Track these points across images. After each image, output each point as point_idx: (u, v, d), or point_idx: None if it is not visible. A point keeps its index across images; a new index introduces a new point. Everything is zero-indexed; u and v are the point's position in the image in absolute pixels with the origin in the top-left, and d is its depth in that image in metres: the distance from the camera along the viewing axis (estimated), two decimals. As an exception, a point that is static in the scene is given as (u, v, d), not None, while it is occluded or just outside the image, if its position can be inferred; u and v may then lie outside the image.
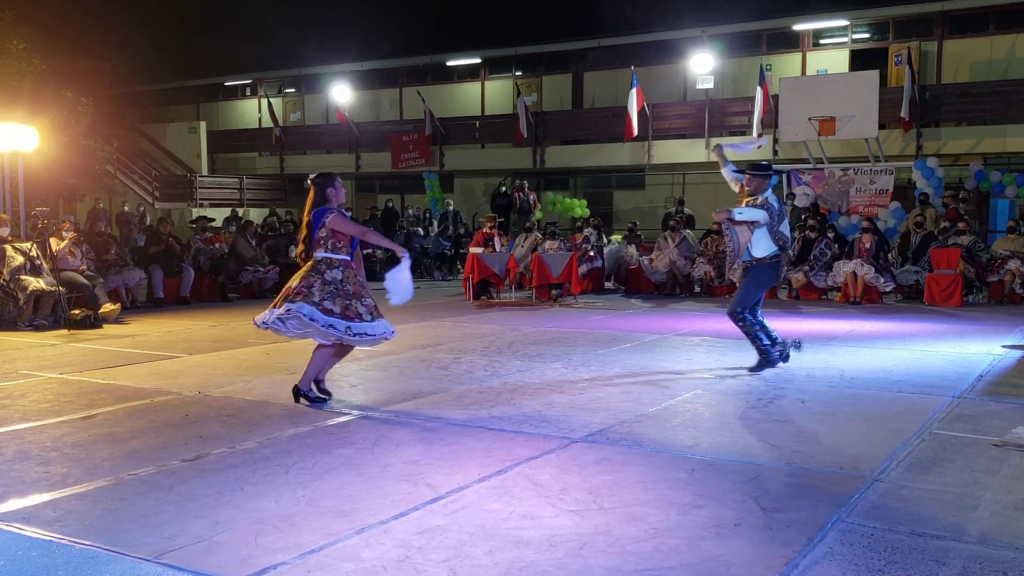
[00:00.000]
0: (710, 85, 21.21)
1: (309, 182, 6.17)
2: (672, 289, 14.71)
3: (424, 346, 8.87)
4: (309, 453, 4.87)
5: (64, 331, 10.15)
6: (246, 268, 14.36)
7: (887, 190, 17.52)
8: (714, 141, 21.34)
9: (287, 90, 30.18)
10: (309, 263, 6.04)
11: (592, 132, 23.82)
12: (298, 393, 6.18)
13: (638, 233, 16.82)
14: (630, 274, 15.34)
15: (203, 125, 29.30)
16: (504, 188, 22.99)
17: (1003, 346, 8.68)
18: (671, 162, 22.45)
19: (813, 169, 18.34)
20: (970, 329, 10.02)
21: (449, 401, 6.24)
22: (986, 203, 17.67)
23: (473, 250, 14.02)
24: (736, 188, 7.46)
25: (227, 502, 4.06)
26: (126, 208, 23.02)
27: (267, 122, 28.22)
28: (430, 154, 24.82)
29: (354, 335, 5.86)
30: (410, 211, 22.93)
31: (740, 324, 7.36)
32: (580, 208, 22.28)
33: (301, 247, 6.18)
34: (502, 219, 19.25)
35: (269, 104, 27.87)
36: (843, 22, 21.40)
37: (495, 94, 26.27)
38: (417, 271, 19.17)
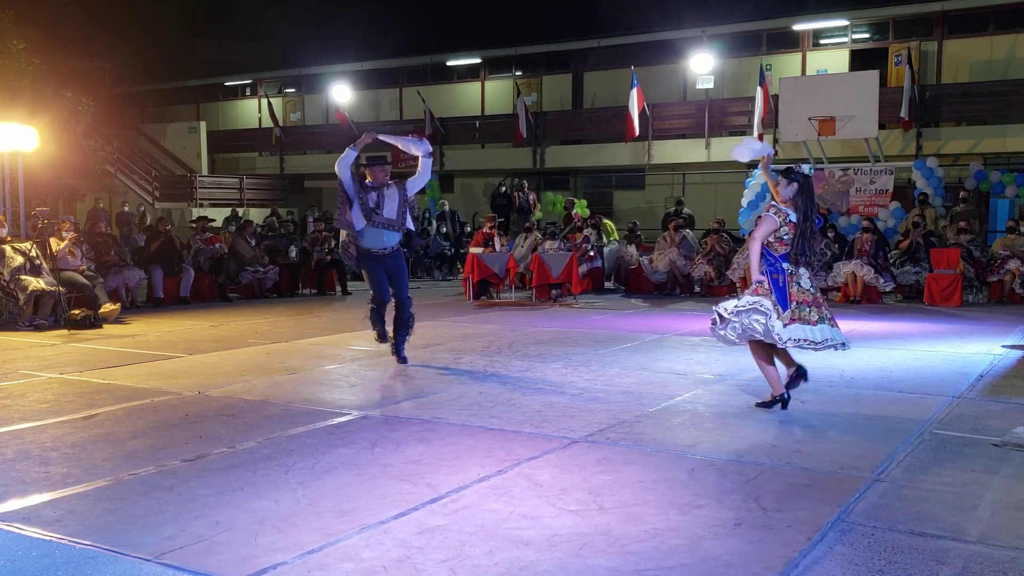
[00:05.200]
0: (710, 85, 21.21)
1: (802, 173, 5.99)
2: (672, 289, 14.71)
3: (424, 346, 8.86)
4: (309, 453, 4.87)
5: (64, 331, 10.15)
6: (246, 268, 14.36)
7: (887, 190, 17.50)
8: (714, 141, 21.43)
9: (287, 90, 30.18)
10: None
11: (592, 132, 23.83)
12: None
13: (638, 233, 16.82)
14: (630, 274, 15.34)
15: (203, 125, 29.30)
16: (504, 188, 22.99)
17: (1003, 346, 8.67)
18: (671, 162, 22.46)
19: (813, 169, 18.33)
20: (970, 329, 10.01)
21: (449, 401, 6.24)
22: (986, 203, 17.67)
23: (473, 250, 14.02)
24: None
25: (227, 502, 4.05)
26: (126, 208, 23.00)
27: (267, 122, 28.22)
28: (430, 154, 24.80)
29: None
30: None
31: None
32: (580, 208, 22.27)
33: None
34: (502, 219, 19.25)
35: (269, 104, 27.88)
36: (843, 22, 21.41)
37: (495, 94, 26.27)
38: (417, 271, 19.21)
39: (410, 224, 7.83)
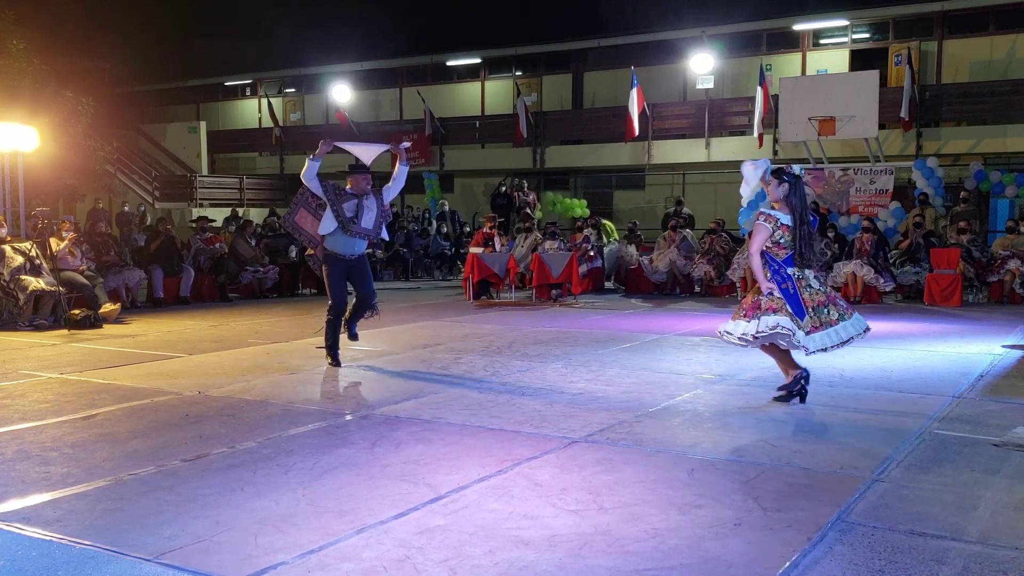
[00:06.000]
0: (710, 85, 21.21)
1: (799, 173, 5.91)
2: (672, 289, 14.72)
3: (424, 346, 8.86)
4: (309, 453, 4.87)
5: (64, 331, 10.15)
6: (246, 268, 14.36)
7: (887, 190, 17.51)
8: (714, 141, 21.43)
9: (287, 90, 30.18)
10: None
11: (592, 132, 23.83)
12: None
13: (638, 233, 16.83)
14: (630, 274, 15.34)
15: (203, 125, 29.29)
16: (504, 188, 23.00)
17: (1003, 346, 8.67)
18: (671, 162, 22.46)
19: (813, 169, 18.34)
20: (970, 329, 10.02)
21: (449, 401, 6.24)
22: (986, 203, 17.67)
23: (473, 250, 14.03)
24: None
25: (227, 502, 4.05)
26: (126, 208, 23.00)
27: (267, 122, 28.23)
28: (430, 154, 24.83)
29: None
30: (407, 210, 22.98)
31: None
32: (580, 208, 22.29)
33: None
34: (502, 219, 19.25)
35: (269, 104, 27.88)
36: (843, 22, 21.41)
37: (495, 94, 26.27)
38: (417, 271, 19.22)
39: (384, 235, 7.82)
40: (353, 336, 7.90)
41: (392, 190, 7.80)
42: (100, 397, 6.42)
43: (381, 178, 8.00)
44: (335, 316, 7.64)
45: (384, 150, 8.06)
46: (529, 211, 19.31)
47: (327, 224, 7.43)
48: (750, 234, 5.95)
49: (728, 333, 5.96)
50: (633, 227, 17.07)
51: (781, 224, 5.76)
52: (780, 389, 6.12)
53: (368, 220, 7.53)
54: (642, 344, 8.98)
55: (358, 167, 7.66)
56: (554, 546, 3.52)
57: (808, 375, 6.03)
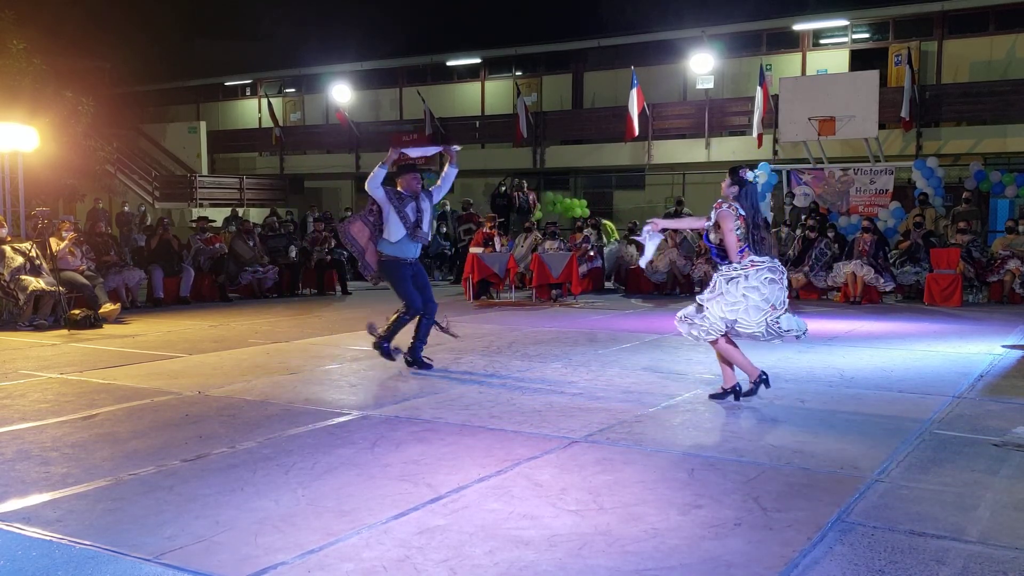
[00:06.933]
0: (710, 85, 21.22)
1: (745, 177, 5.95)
2: (672, 289, 14.72)
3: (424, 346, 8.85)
4: (309, 453, 4.87)
5: (64, 331, 10.15)
6: (246, 268, 14.36)
7: (887, 190, 17.52)
8: (714, 141, 21.43)
9: (287, 90, 30.17)
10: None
11: (592, 132, 23.84)
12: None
13: (638, 233, 16.80)
14: (630, 274, 15.35)
15: (203, 125, 29.28)
16: (504, 188, 23.00)
17: (1003, 346, 8.68)
18: (671, 162, 22.46)
19: (813, 169, 18.35)
20: (970, 329, 10.02)
21: (449, 401, 6.24)
22: (986, 203, 17.68)
23: (473, 250, 14.03)
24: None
25: (227, 502, 4.05)
26: (126, 208, 23.00)
27: (267, 122, 28.21)
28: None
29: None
30: None
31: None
32: (580, 208, 22.28)
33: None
34: (502, 219, 19.25)
35: (269, 104, 27.87)
36: (843, 22, 21.41)
37: (495, 94, 26.27)
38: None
39: (428, 235, 7.78)
40: (425, 364, 7.58)
41: (441, 190, 7.79)
42: (100, 397, 6.42)
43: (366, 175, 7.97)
44: (411, 316, 7.49)
45: (437, 151, 8.01)
46: (473, 209, 19.39)
47: (395, 231, 7.33)
48: (721, 231, 5.93)
49: (693, 319, 6.08)
50: (633, 227, 17.05)
51: (740, 215, 5.84)
52: (745, 395, 6.17)
53: (426, 223, 7.51)
54: (642, 344, 8.98)
55: (408, 167, 7.57)
56: (554, 546, 3.52)
57: (738, 388, 6.14)
